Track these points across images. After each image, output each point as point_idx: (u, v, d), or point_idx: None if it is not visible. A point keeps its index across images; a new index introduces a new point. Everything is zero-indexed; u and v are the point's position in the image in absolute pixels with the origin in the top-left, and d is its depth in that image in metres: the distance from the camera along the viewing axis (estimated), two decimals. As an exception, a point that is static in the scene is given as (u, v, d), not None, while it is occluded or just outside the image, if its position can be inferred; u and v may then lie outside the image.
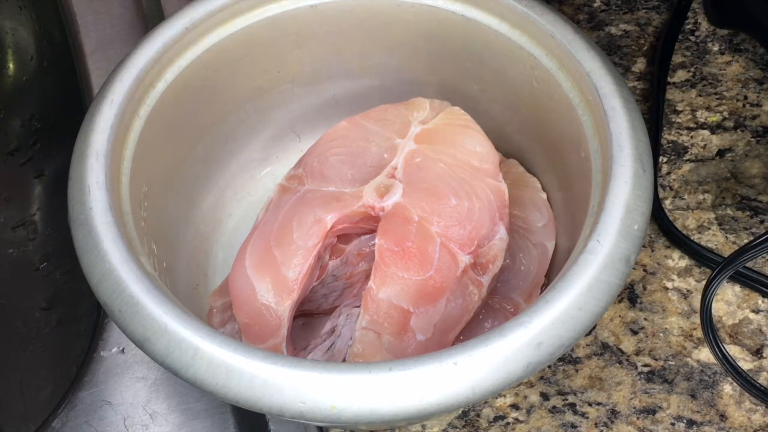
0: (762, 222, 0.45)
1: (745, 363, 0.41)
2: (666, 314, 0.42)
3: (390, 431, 0.40)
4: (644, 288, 0.43)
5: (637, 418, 0.39)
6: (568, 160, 0.39)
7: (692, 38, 0.53)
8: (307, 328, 0.42)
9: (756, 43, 0.52)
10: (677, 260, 0.44)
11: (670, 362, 0.41)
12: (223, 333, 0.31)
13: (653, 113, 0.49)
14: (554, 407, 0.40)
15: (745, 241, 0.44)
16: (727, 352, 0.40)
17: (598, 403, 0.40)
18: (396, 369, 0.28)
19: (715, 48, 0.52)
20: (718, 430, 0.39)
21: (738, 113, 0.49)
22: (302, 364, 0.29)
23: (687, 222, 0.45)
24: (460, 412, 0.40)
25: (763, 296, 0.42)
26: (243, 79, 0.44)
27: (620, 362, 0.41)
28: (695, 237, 0.45)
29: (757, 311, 0.42)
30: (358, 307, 0.39)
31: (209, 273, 0.45)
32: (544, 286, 0.41)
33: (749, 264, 0.42)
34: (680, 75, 0.51)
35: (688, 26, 0.53)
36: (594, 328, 0.42)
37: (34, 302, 0.54)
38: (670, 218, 0.45)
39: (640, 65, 0.52)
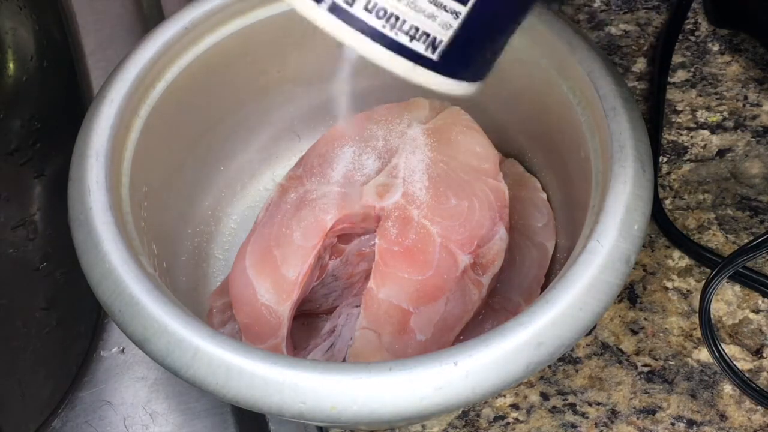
0: (762, 222, 0.45)
1: (745, 363, 0.41)
2: (666, 314, 0.42)
3: (390, 431, 0.40)
4: (644, 288, 0.43)
5: (637, 418, 0.39)
6: (568, 160, 0.39)
7: (692, 38, 0.53)
8: (307, 328, 0.42)
9: (756, 43, 0.52)
10: (677, 260, 0.44)
11: (670, 362, 0.41)
12: (223, 333, 0.31)
13: (653, 113, 0.49)
14: (554, 407, 0.40)
15: (745, 241, 0.44)
16: (724, 352, 0.40)
17: (598, 403, 0.40)
18: (396, 369, 0.28)
19: (715, 48, 0.52)
20: (718, 430, 0.39)
21: (738, 113, 0.49)
22: (302, 364, 0.29)
23: (687, 222, 0.45)
24: (460, 412, 0.40)
25: (763, 296, 0.42)
26: (243, 79, 0.44)
27: (620, 362, 0.41)
28: (695, 237, 0.45)
29: (757, 311, 0.42)
30: (358, 307, 0.39)
31: (209, 273, 0.45)
32: (544, 286, 0.41)
33: (749, 264, 0.42)
34: (680, 75, 0.51)
35: (688, 26, 0.53)
36: (594, 328, 0.42)
37: (34, 302, 0.54)
38: (670, 218, 0.45)
39: (640, 65, 0.52)
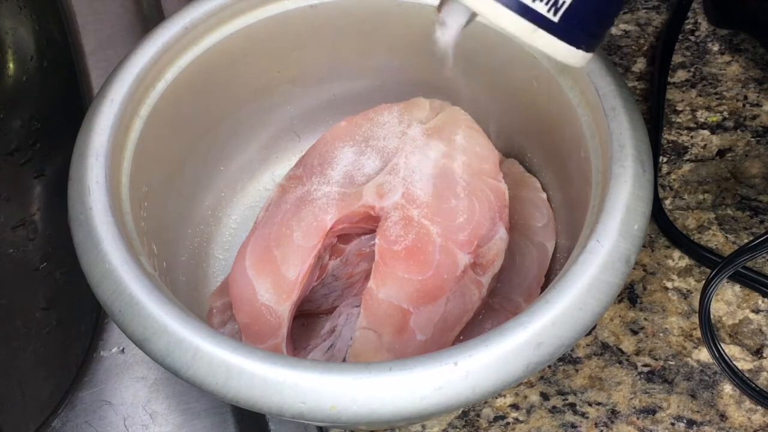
0: (762, 222, 0.45)
1: (745, 363, 0.41)
2: (666, 314, 0.42)
3: (390, 431, 0.40)
4: (644, 288, 0.43)
5: (637, 418, 0.39)
6: (568, 159, 0.39)
7: (692, 38, 0.53)
8: (307, 328, 0.42)
9: (756, 43, 0.52)
10: (677, 260, 0.44)
11: (670, 362, 0.41)
12: (223, 333, 0.31)
13: (653, 113, 0.49)
14: (554, 407, 0.40)
15: (745, 241, 0.44)
16: (724, 352, 0.40)
17: (598, 403, 0.40)
18: (396, 369, 0.28)
19: (715, 48, 0.52)
20: (718, 430, 0.39)
21: (738, 113, 0.49)
22: (302, 364, 0.29)
23: (687, 222, 0.45)
24: (460, 412, 0.40)
25: (763, 296, 0.42)
26: (243, 79, 0.44)
27: (620, 362, 0.41)
28: (695, 237, 0.45)
29: (757, 311, 0.42)
30: (358, 307, 0.39)
31: (209, 273, 0.45)
32: (544, 286, 0.41)
33: (749, 264, 0.42)
34: (680, 75, 0.51)
35: (688, 26, 0.53)
36: (594, 328, 0.42)
37: (34, 302, 0.54)
38: (670, 218, 0.45)
39: (640, 65, 0.52)
